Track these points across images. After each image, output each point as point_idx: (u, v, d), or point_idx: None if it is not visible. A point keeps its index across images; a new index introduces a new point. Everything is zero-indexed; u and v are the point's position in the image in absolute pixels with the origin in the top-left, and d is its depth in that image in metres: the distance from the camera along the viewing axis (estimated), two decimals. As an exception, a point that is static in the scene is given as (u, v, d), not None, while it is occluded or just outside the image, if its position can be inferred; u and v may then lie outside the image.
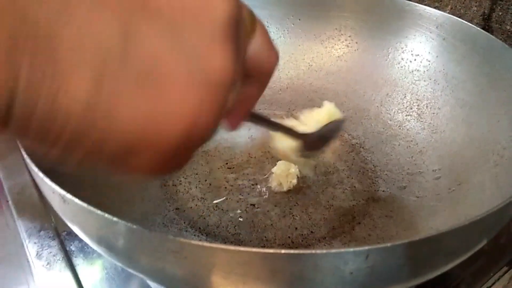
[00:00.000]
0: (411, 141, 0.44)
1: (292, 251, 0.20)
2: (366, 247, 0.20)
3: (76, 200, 0.22)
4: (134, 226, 0.22)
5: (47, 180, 0.24)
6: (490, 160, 0.37)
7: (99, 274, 0.36)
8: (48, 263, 0.36)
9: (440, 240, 0.22)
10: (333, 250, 0.20)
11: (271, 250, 0.20)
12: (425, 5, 0.46)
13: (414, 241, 0.21)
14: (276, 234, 0.36)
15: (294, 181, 0.39)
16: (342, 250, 0.20)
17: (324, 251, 0.20)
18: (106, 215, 0.22)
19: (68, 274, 0.35)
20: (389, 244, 0.20)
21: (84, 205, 0.22)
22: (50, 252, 0.36)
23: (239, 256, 0.21)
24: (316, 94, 0.51)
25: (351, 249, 0.20)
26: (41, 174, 0.24)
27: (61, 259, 0.36)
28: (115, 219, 0.22)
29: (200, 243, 0.20)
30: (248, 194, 0.40)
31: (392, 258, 0.21)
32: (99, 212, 0.22)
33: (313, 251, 0.20)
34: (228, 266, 0.21)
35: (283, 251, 0.20)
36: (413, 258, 0.22)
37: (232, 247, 0.20)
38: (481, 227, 0.24)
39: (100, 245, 0.26)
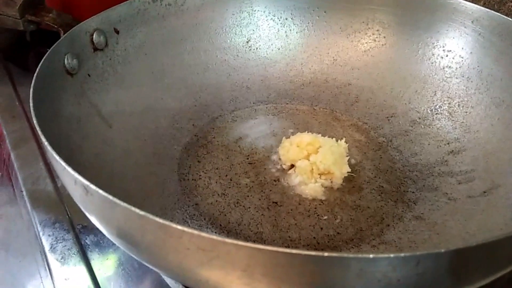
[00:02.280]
0: (442, 140, 0.42)
1: (337, 254, 0.18)
2: (418, 253, 0.18)
3: (101, 192, 0.21)
4: (162, 221, 0.20)
5: (69, 169, 0.22)
6: (530, 163, 0.35)
7: (114, 269, 0.34)
8: (62, 257, 0.34)
9: (494, 247, 0.20)
10: (382, 255, 0.18)
11: (313, 252, 0.18)
12: (459, -2, 0.44)
13: (469, 247, 0.19)
14: (300, 234, 0.34)
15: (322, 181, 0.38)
16: (392, 255, 0.18)
17: (371, 255, 0.18)
18: (133, 208, 0.20)
19: (82, 269, 0.34)
20: (442, 250, 0.19)
21: (109, 197, 0.21)
22: (65, 246, 0.35)
23: (277, 257, 0.19)
24: (340, 90, 0.49)
25: (402, 254, 0.18)
26: (63, 163, 0.23)
27: (76, 253, 0.34)
28: (142, 212, 0.20)
29: (235, 241, 0.19)
30: (270, 190, 0.38)
31: (443, 265, 0.20)
32: (124, 204, 0.21)
33: (360, 255, 0.18)
34: (264, 267, 0.19)
35: (326, 253, 0.18)
36: (465, 265, 0.20)
37: (270, 248, 0.18)
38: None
39: (121, 239, 0.24)
